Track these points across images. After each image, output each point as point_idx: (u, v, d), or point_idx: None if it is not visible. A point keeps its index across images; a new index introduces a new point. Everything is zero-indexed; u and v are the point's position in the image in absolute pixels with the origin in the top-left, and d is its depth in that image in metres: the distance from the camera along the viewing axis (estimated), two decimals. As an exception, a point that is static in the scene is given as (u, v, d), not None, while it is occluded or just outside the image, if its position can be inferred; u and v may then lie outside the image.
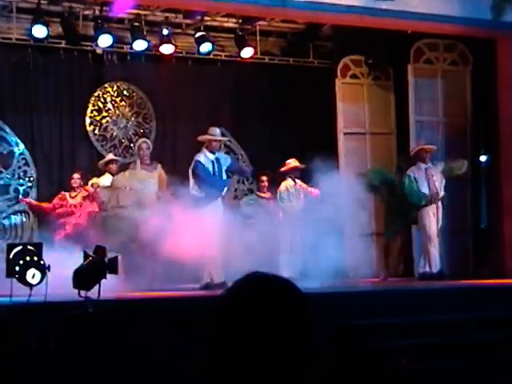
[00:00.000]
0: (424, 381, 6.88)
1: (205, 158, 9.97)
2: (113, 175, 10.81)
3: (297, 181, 11.35)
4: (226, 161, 10.23)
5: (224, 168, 10.07)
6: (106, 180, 10.86)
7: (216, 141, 10.26)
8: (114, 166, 11.10)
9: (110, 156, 11.53)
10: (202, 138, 10.22)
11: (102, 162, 11.34)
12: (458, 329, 8.01)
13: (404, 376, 6.82)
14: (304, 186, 11.23)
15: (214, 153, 10.08)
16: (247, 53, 12.81)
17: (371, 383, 6.72)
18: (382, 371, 6.79)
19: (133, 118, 12.92)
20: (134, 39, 12.28)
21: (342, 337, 7.06)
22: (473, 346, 7.60)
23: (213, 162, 9.99)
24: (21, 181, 11.98)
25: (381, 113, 13.21)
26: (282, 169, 11.43)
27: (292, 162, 11.39)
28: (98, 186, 10.78)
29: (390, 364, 6.89)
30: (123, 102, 12.88)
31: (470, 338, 7.75)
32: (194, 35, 12.68)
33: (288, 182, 11.35)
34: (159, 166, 10.60)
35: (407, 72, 12.63)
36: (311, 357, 1.61)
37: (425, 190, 11.29)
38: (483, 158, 13.02)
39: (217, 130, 10.31)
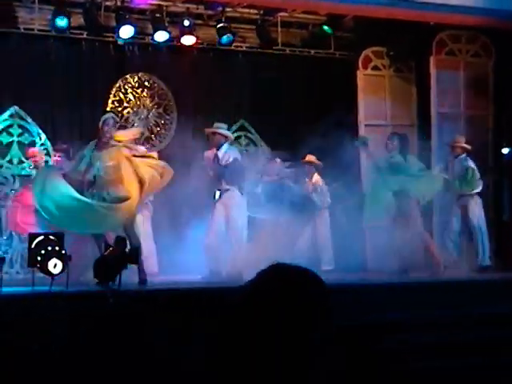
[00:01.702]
0: (432, 380, 6.78)
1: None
2: None
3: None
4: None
5: None
6: None
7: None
8: None
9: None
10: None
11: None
12: (475, 325, 7.93)
13: (411, 375, 6.73)
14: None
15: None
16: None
17: (376, 383, 6.65)
18: (388, 370, 6.71)
19: (154, 109, 12.94)
20: (155, 30, 12.31)
21: (345, 336, 7.00)
22: (483, 344, 7.47)
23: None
24: (42, 171, 12.01)
25: (402, 105, 13.14)
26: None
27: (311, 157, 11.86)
28: None
29: (396, 363, 6.81)
30: (144, 93, 12.90)
31: (482, 335, 7.64)
32: (215, 26, 12.67)
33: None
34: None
35: (429, 64, 12.55)
36: (313, 355, 1.59)
37: None
38: (505, 151, 12.94)
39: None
